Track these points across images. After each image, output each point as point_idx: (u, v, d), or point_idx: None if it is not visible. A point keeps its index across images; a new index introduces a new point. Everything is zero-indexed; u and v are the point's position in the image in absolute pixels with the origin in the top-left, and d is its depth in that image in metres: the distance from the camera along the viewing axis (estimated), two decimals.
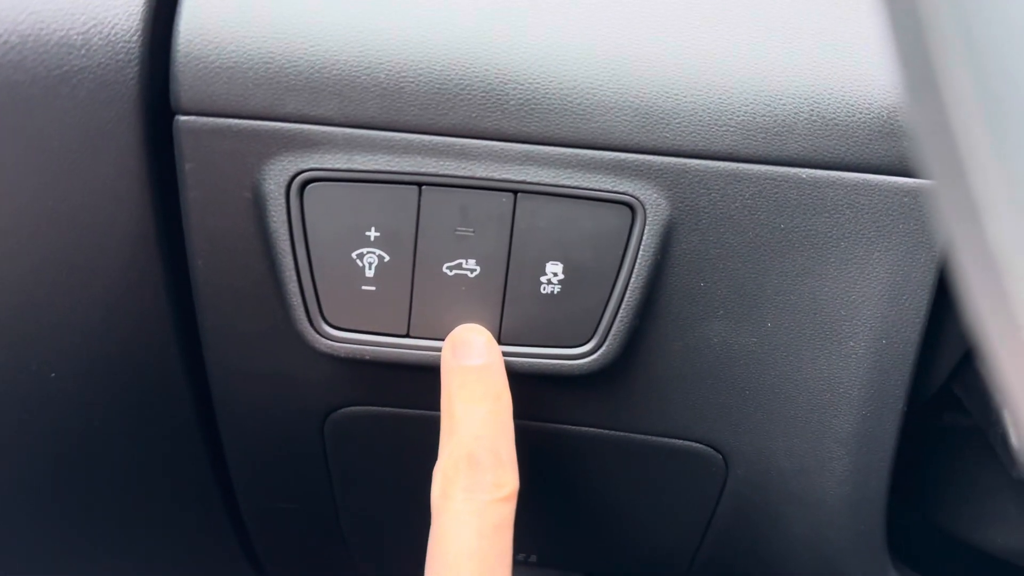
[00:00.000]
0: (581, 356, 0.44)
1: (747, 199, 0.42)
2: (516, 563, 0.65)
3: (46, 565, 0.53)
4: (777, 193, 0.42)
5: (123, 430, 0.49)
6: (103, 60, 0.37)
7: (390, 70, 0.39)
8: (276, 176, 0.41)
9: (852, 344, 0.45)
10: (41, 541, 0.51)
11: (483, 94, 0.40)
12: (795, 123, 0.41)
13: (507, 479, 0.39)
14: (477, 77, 0.40)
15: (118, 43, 0.37)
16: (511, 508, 0.39)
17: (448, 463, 0.40)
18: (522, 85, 0.40)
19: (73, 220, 0.40)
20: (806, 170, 0.41)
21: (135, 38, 0.37)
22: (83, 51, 0.37)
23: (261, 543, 0.64)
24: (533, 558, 0.62)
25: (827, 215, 0.42)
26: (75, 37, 0.36)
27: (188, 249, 0.43)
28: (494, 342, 0.44)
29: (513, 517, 0.39)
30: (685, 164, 0.41)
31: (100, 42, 0.37)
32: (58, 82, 0.37)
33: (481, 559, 0.37)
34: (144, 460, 0.51)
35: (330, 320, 0.44)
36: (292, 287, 0.42)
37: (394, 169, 0.41)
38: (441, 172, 0.41)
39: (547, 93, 0.40)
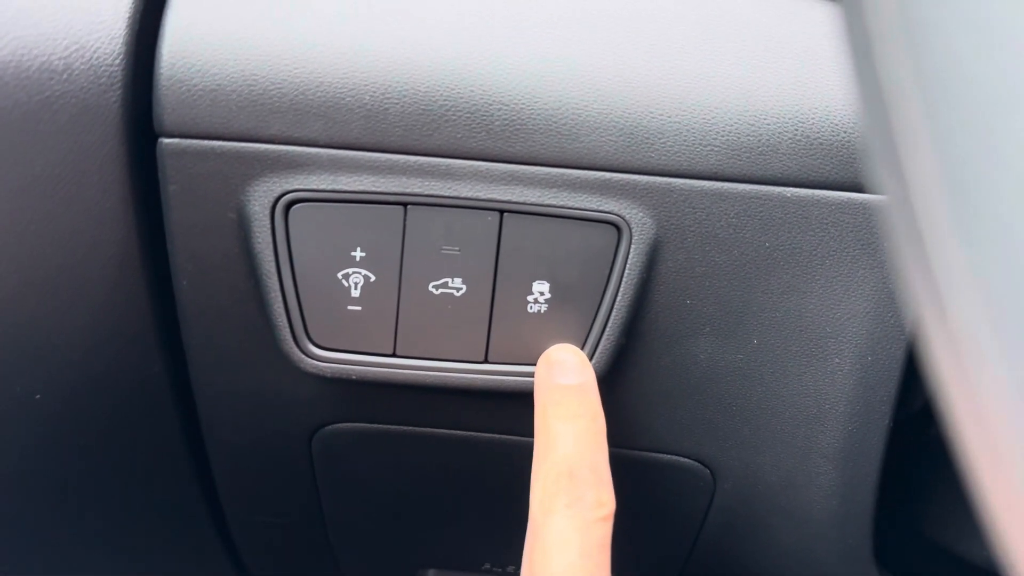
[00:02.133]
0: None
1: (732, 218, 0.42)
2: (508, 575, 0.65)
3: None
4: (762, 212, 0.42)
5: (109, 449, 0.49)
6: (85, 84, 0.37)
7: (374, 91, 0.39)
8: (261, 197, 0.41)
9: (838, 361, 0.45)
10: (31, 559, 0.51)
11: (468, 115, 0.40)
12: (780, 142, 0.41)
13: (607, 498, 0.39)
14: (462, 98, 0.40)
15: (100, 67, 0.37)
16: (610, 527, 0.39)
17: (548, 478, 0.40)
18: (507, 105, 0.40)
19: (57, 243, 0.40)
20: (791, 189, 0.41)
21: (117, 62, 0.37)
22: (65, 76, 0.37)
23: (250, 557, 0.63)
24: None
25: (812, 233, 0.42)
26: (56, 62, 0.36)
27: (173, 270, 0.43)
28: (588, 362, 0.44)
29: (611, 537, 0.39)
30: (670, 183, 0.41)
31: (82, 67, 0.37)
32: (40, 107, 0.37)
33: None
34: (130, 478, 0.51)
35: (316, 340, 0.44)
36: (278, 307, 0.42)
37: (379, 189, 0.41)
38: (426, 192, 0.41)
39: (532, 113, 0.40)
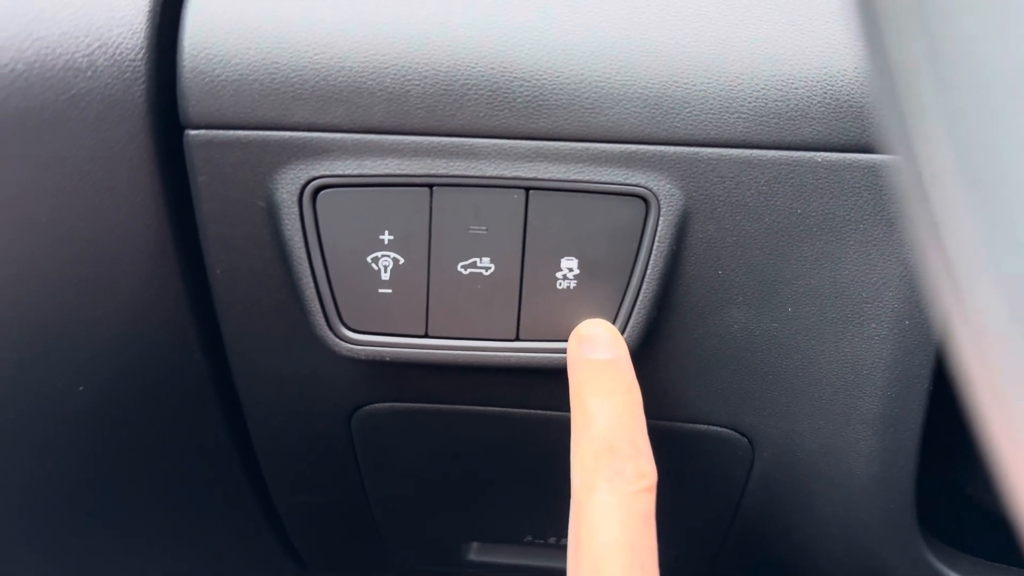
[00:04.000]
0: None
1: (763, 185, 0.41)
2: (547, 546, 0.65)
3: (89, 568, 0.54)
4: (793, 178, 0.41)
5: (153, 436, 0.50)
6: (110, 80, 0.37)
7: (395, 74, 0.39)
8: (288, 184, 0.41)
9: (875, 326, 0.44)
10: (82, 548, 0.52)
11: (489, 93, 0.40)
12: (809, 106, 0.40)
13: (648, 469, 0.39)
14: (483, 76, 0.39)
15: (123, 63, 0.37)
16: (653, 498, 0.39)
17: (587, 455, 0.40)
18: (529, 82, 0.40)
19: (92, 238, 0.40)
20: (822, 154, 0.41)
21: (140, 56, 0.38)
22: (89, 73, 0.37)
23: (297, 536, 0.65)
24: (564, 540, 0.63)
25: (845, 198, 0.41)
26: (80, 60, 0.37)
27: (206, 260, 0.44)
28: (619, 336, 0.44)
29: (654, 508, 0.39)
30: (698, 153, 0.41)
31: (106, 63, 0.37)
32: (67, 105, 0.37)
33: (631, 549, 0.37)
34: (176, 464, 0.53)
35: (349, 324, 0.44)
36: (310, 293, 0.43)
37: (404, 172, 0.41)
38: (451, 173, 0.41)
39: (554, 89, 0.40)
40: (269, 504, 0.59)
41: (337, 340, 0.44)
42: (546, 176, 0.41)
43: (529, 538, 0.63)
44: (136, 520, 0.55)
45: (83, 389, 0.43)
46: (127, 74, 0.38)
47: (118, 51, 0.37)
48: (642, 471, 0.39)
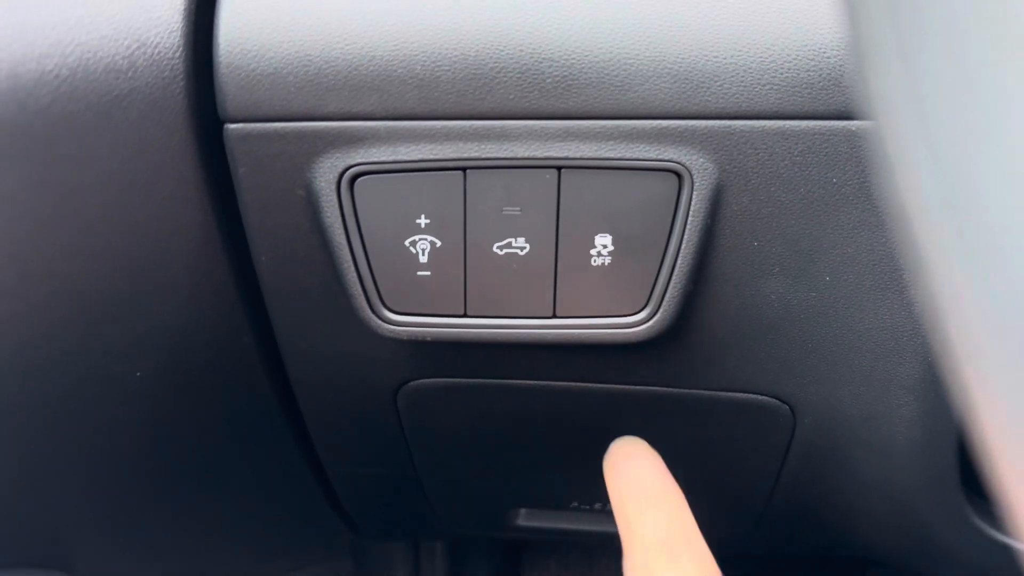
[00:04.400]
0: (636, 324, 0.45)
1: (796, 156, 0.41)
2: (593, 511, 0.67)
3: (155, 544, 0.57)
4: (827, 148, 0.41)
5: (209, 417, 0.52)
6: (150, 80, 0.38)
7: (425, 60, 0.40)
8: (326, 173, 0.42)
9: (913, 292, 0.44)
10: (145, 526, 0.55)
11: (519, 75, 0.40)
12: (841, 75, 0.39)
13: (711, 566, 0.38)
14: (511, 58, 0.40)
15: (162, 62, 0.39)
16: None
17: (639, 564, 0.38)
18: (557, 62, 0.40)
19: (140, 233, 0.42)
20: (855, 122, 0.40)
21: (177, 55, 0.39)
22: (130, 74, 0.38)
23: (350, 505, 0.67)
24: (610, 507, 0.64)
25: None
26: (121, 62, 0.38)
27: (251, 248, 0.45)
28: (648, 446, 0.44)
29: None
30: (730, 126, 0.41)
31: (145, 63, 0.38)
32: (110, 106, 0.38)
33: None
34: (233, 443, 0.55)
35: (390, 306, 0.45)
36: (351, 277, 0.44)
37: (438, 157, 0.41)
38: (484, 155, 0.41)
39: (584, 67, 0.40)
40: (323, 476, 0.62)
41: (379, 322, 0.45)
42: (578, 155, 0.41)
43: (575, 504, 0.64)
44: (195, 495, 0.57)
45: (140, 375, 0.45)
46: (166, 73, 0.39)
47: (156, 51, 0.38)
48: (706, 569, 0.38)
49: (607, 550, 1.20)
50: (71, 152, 0.38)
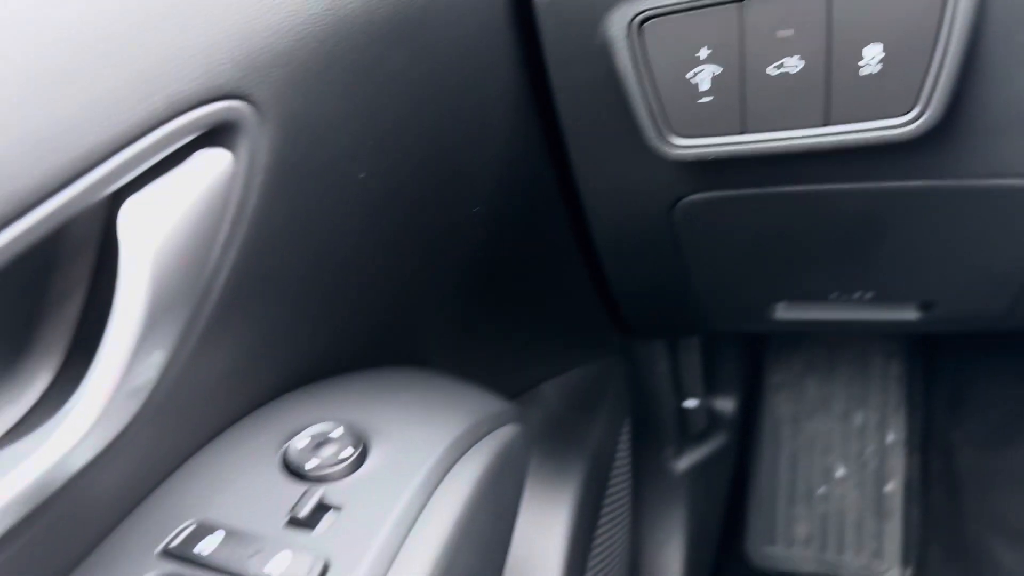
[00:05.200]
0: (907, 123, 0.49)
1: None
2: (851, 301, 0.72)
3: (482, 347, 0.69)
4: None
5: (522, 246, 0.62)
6: None
7: None
8: (619, 21, 0.48)
9: None
10: (477, 331, 0.67)
11: None
12: None
13: None
14: None
15: None
16: None
17: None
18: None
19: (466, 102, 0.51)
20: None
21: None
22: None
23: (628, 311, 0.77)
24: (869, 295, 0.70)
25: None
26: None
27: (555, 99, 0.53)
28: None
29: None
30: None
31: None
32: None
33: None
34: (539, 266, 0.65)
35: (677, 131, 0.52)
36: (643, 111, 0.51)
37: None
38: None
39: None
40: (607, 291, 0.72)
41: (667, 147, 0.52)
42: None
43: (835, 295, 0.71)
44: (511, 308, 0.69)
45: (477, 209, 0.55)
46: None
47: None
48: None
49: (848, 347, 1.26)
50: (405, 38, 0.46)
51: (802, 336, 1.24)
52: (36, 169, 0.28)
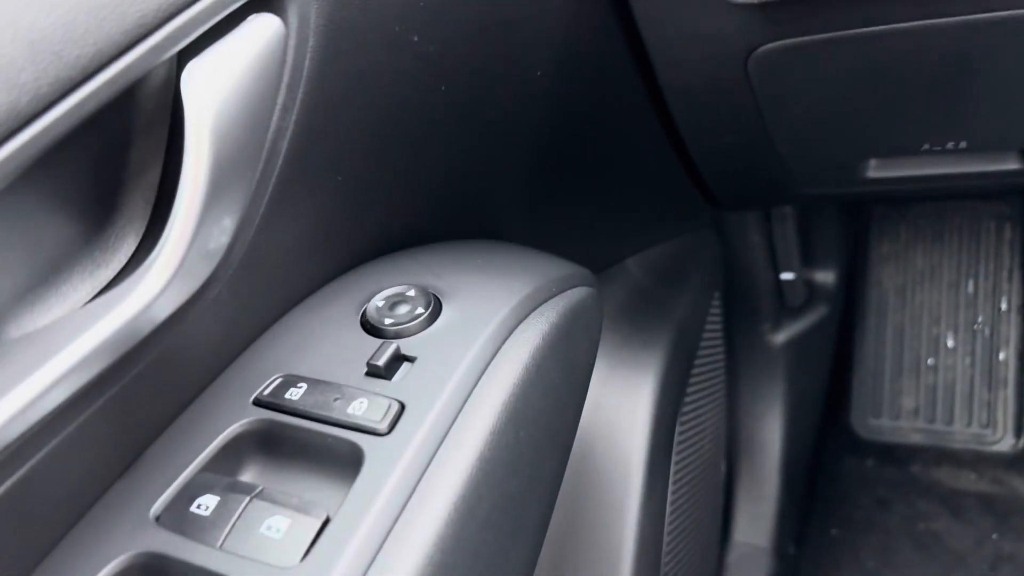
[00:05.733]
0: None
1: None
2: (945, 152, 0.69)
3: (558, 222, 0.70)
4: None
5: (595, 113, 0.62)
6: None
7: None
8: None
9: None
10: (547, 210, 0.68)
11: None
12: None
13: None
14: None
15: None
16: None
17: None
18: None
19: None
20: None
21: None
22: None
23: (712, 181, 0.76)
24: (964, 144, 0.67)
25: None
26: None
27: None
28: None
29: None
30: None
31: None
32: None
33: None
34: (614, 135, 0.65)
35: None
36: None
37: None
38: None
39: None
40: (687, 157, 0.71)
41: None
42: None
43: (927, 147, 0.68)
44: (588, 181, 0.69)
45: (540, 74, 0.55)
46: None
47: None
48: None
49: (957, 213, 1.20)
50: None
51: (908, 204, 1.19)
52: (102, 31, 0.30)
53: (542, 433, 0.44)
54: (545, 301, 0.48)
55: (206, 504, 0.37)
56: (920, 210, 1.19)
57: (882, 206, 1.20)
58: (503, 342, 0.44)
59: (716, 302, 0.93)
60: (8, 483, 0.32)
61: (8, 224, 0.33)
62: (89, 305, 0.35)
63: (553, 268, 0.52)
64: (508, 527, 0.41)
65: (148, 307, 0.34)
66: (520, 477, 0.42)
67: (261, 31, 0.36)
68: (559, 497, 0.49)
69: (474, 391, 0.41)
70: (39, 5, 0.29)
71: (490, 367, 0.43)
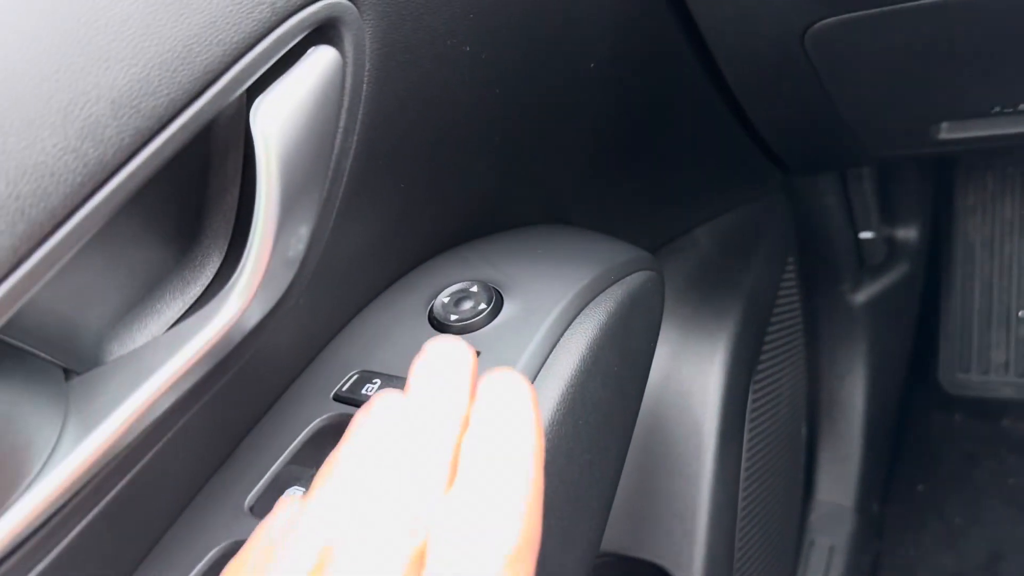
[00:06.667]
0: None
1: None
2: (1017, 112, 0.67)
3: (626, 203, 0.72)
4: None
5: (653, 95, 0.63)
6: None
7: None
8: None
9: None
10: (606, 185, 0.69)
11: None
12: None
13: None
14: None
15: None
16: None
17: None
18: None
19: None
20: None
21: None
22: None
23: (778, 147, 0.76)
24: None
25: None
26: None
27: None
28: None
29: None
30: None
31: None
32: None
33: None
34: (675, 114, 0.66)
35: None
36: None
37: None
38: None
39: None
40: (750, 125, 0.71)
41: None
42: None
43: (997, 109, 0.66)
44: (654, 161, 0.70)
45: (593, 65, 0.56)
46: None
47: None
48: None
49: None
50: None
51: (993, 153, 1.15)
52: (174, 82, 0.34)
53: (602, 420, 0.47)
54: (603, 290, 0.50)
55: (294, 494, 0.41)
56: (1008, 159, 1.15)
57: (967, 156, 1.17)
58: (561, 334, 0.46)
59: (791, 267, 0.93)
60: (120, 484, 0.36)
61: (107, 255, 0.37)
62: (187, 321, 0.39)
63: (613, 253, 0.54)
64: (568, 511, 0.44)
65: (238, 318, 0.37)
66: (580, 463, 0.45)
67: (320, 63, 0.39)
68: (631, 469, 0.51)
69: (534, 382, 0.44)
70: (118, 67, 0.32)
71: (549, 360, 0.45)
